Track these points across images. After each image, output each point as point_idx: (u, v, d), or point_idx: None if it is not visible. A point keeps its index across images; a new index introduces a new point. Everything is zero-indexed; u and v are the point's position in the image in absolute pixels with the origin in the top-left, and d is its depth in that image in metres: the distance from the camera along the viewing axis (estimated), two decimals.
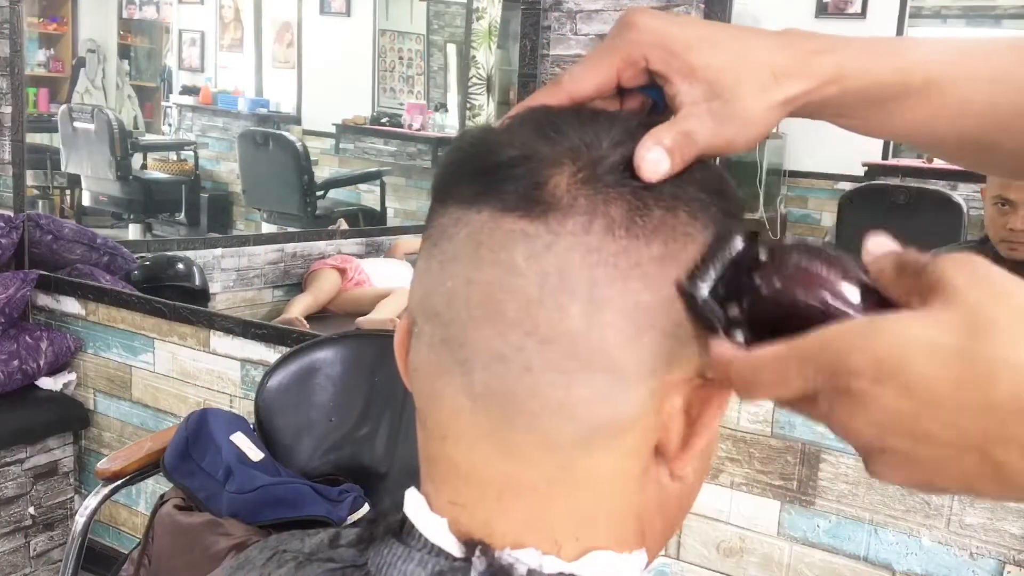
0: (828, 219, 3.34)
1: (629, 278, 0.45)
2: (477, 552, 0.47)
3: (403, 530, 0.50)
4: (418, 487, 0.51)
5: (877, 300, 0.43)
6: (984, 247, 1.94)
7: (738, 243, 0.47)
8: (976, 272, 0.40)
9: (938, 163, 3.55)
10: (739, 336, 0.45)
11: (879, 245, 0.44)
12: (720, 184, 0.49)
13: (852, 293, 0.43)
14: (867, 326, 0.40)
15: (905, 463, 0.41)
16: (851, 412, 0.40)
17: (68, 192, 5.12)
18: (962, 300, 0.39)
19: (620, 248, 0.45)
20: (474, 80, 3.29)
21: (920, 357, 0.39)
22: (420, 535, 0.49)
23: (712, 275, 0.46)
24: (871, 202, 2.88)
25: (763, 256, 0.45)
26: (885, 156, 3.67)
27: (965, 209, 2.62)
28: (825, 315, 0.43)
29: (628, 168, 0.46)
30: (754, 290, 0.44)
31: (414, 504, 0.50)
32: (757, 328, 0.44)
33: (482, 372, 0.46)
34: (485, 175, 0.47)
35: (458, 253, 0.47)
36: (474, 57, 3.31)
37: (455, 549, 0.48)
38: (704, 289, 0.45)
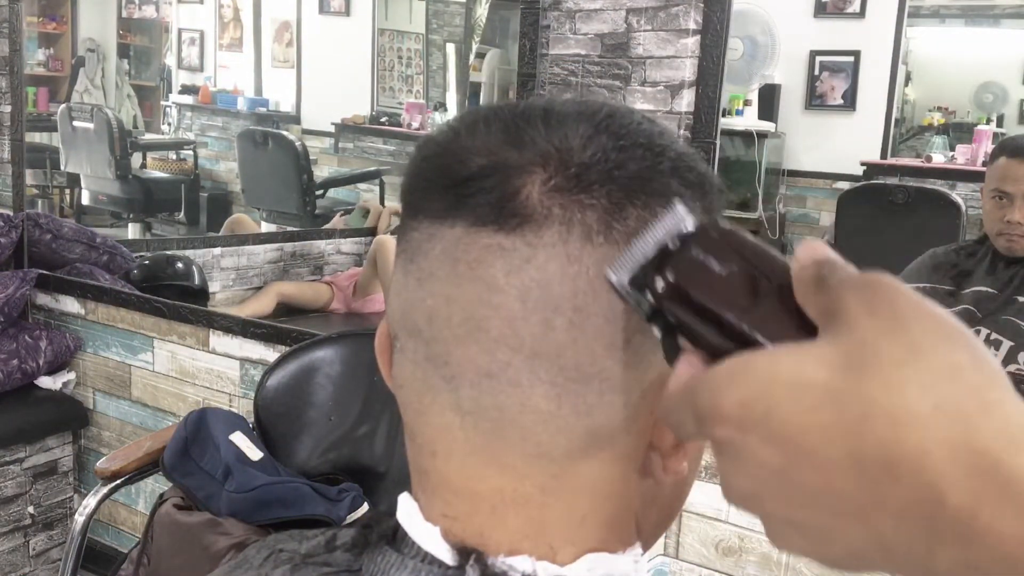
0: (827, 218, 3.34)
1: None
2: (471, 560, 0.46)
3: (396, 537, 0.50)
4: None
5: (794, 322, 0.36)
6: (982, 245, 1.95)
7: (670, 223, 0.40)
8: (878, 294, 0.33)
9: (937, 162, 3.55)
10: (656, 331, 0.40)
11: (810, 251, 0.36)
12: (700, 178, 0.47)
13: (756, 311, 0.36)
14: (740, 362, 0.35)
15: (789, 530, 0.34)
16: (725, 466, 0.35)
17: (67, 191, 5.12)
18: (850, 328, 0.33)
19: (600, 255, 0.43)
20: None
21: (786, 399, 0.33)
22: (413, 543, 0.48)
23: (635, 259, 0.40)
24: (870, 201, 2.88)
25: (672, 243, 0.39)
26: (884, 155, 3.67)
27: (964, 208, 2.62)
28: (726, 332, 0.37)
29: (598, 167, 0.44)
30: (660, 281, 0.39)
31: (407, 511, 0.50)
32: (688, 328, 0.38)
33: (470, 389, 0.46)
34: (455, 188, 0.45)
35: (435, 270, 0.46)
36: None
37: (448, 557, 0.47)
38: (623, 274, 0.40)
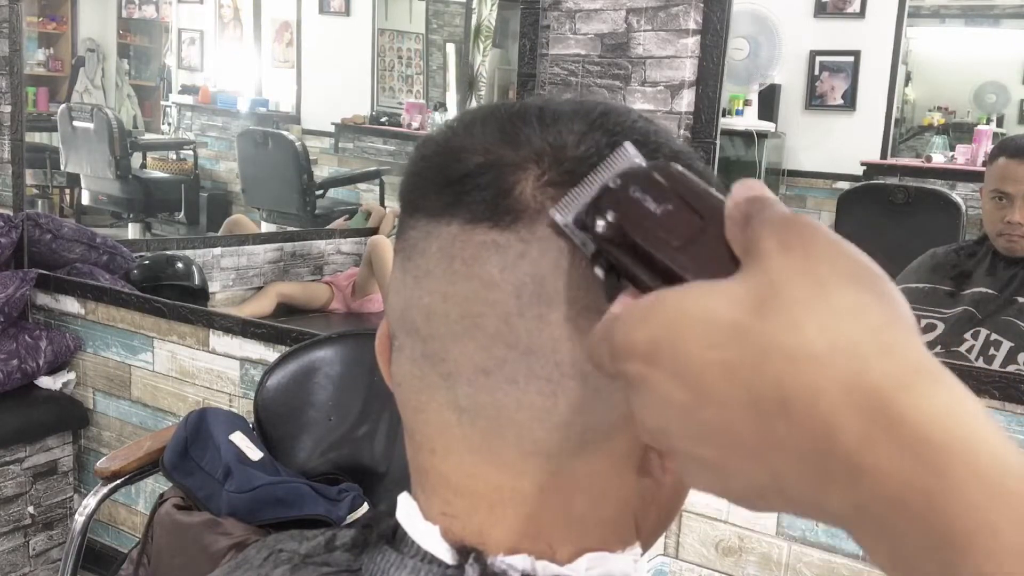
0: (827, 218, 3.34)
1: None
2: (470, 560, 0.46)
3: (396, 536, 0.50)
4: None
5: (725, 262, 0.35)
6: (982, 245, 1.95)
7: (619, 163, 0.39)
8: (793, 233, 0.33)
9: (936, 162, 3.56)
10: (599, 272, 0.39)
11: (744, 189, 0.36)
12: (692, 170, 0.47)
13: (687, 250, 0.36)
14: (652, 298, 0.35)
15: (695, 466, 0.35)
16: (635, 402, 0.36)
17: (67, 191, 5.13)
18: (762, 266, 0.33)
19: None
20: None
21: (692, 335, 0.33)
22: (413, 542, 0.48)
23: (580, 199, 0.39)
24: (870, 201, 2.88)
25: (614, 182, 0.38)
26: (884, 155, 3.67)
27: (963, 208, 2.62)
28: (658, 271, 0.36)
29: (591, 162, 0.44)
30: (600, 220, 0.38)
31: (406, 511, 0.50)
32: (628, 267, 0.38)
33: (467, 386, 0.46)
34: (451, 186, 0.45)
35: (432, 268, 0.46)
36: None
37: (448, 557, 0.47)
38: (568, 213, 0.40)
